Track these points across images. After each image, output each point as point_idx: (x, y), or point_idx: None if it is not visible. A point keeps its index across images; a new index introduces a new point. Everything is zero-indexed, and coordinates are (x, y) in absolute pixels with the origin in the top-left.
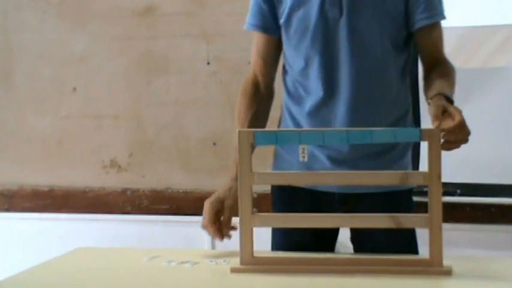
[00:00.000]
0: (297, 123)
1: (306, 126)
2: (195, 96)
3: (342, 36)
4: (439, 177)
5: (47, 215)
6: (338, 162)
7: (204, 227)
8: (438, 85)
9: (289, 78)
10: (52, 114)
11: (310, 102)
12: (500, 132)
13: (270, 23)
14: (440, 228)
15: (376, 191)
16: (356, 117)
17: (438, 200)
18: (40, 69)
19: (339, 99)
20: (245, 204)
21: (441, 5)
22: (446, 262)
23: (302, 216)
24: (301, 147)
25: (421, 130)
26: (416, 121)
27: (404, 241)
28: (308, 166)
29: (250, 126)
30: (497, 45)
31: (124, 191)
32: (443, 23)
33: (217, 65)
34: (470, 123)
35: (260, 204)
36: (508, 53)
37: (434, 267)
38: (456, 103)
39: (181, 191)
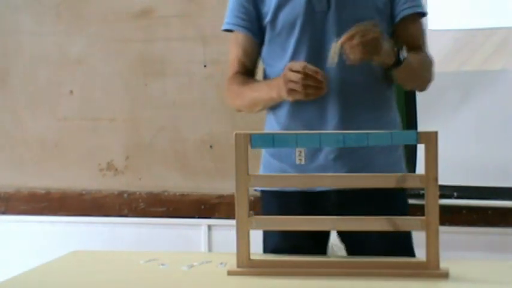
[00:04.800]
0: (279, 120)
1: (292, 121)
2: (192, 99)
3: (329, 30)
4: (436, 180)
5: (44, 218)
6: (332, 158)
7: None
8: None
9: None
10: (49, 117)
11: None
12: (497, 135)
13: (254, 24)
14: (437, 231)
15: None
16: (345, 111)
17: (435, 202)
18: (37, 71)
19: (325, 95)
20: (242, 207)
21: (421, 1)
22: (443, 265)
23: (298, 219)
24: (298, 150)
25: (417, 133)
26: (413, 124)
27: (399, 239)
28: (301, 168)
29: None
30: (493, 48)
31: (121, 194)
32: (439, 26)
33: (213, 67)
34: (467, 126)
35: (257, 207)
36: (504, 56)
37: (431, 270)
38: (453, 105)
39: (178, 193)
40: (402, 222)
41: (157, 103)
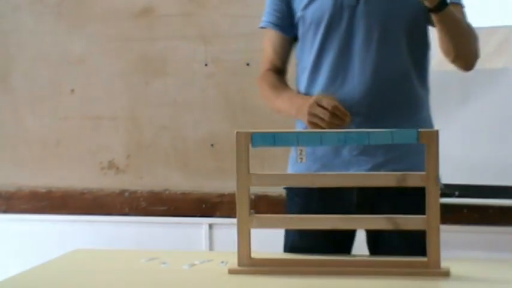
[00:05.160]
0: None
1: None
2: (193, 98)
3: (358, 24)
4: (437, 178)
5: (45, 217)
6: (356, 153)
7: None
8: None
9: (302, 78)
10: (50, 116)
11: (317, 92)
12: (498, 133)
13: (286, 21)
14: (438, 230)
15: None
16: (372, 109)
17: (436, 201)
18: (38, 70)
19: (352, 87)
20: (242, 205)
21: None
22: (444, 264)
23: (299, 217)
24: (298, 148)
25: (418, 132)
26: None
27: (422, 244)
28: (326, 165)
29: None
30: (495, 46)
31: (122, 193)
32: None
33: (215, 66)
34: (468, 125)
35: (257, 205)
36: (506, 55)
37: (432, 269)
38: (454, 104)
39: (179, 192)
40: (403, 221)
41: (158, 102)
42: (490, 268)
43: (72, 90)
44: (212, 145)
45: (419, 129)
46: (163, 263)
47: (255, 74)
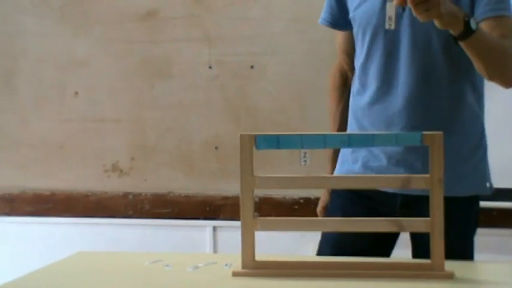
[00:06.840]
0: (356, 119)
1: (363, 121)
2: (197, 100)
3: (404, 31)
4: (441, 181)
5: (49, 219)
6: (394, 161)
7: None
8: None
9: (356, 75)
10: (54, 118)
11: (366, 98)
12: (503, 134)
13: (337, 18)
14: (441, 233)
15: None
16: (413, 111)
17: (440, 204)
18: (42, 73)
19: (396, 95)
20: (246, 208)
21: (508, 2)
22: (448, 266)
23: (303, 220)
24: (302, 151)
25: (422, 134)
26: None
27: (461, 245)
28: (366, 165)
29: (341, 119)
30: None
31: (126, 195)
32: None
33: (219, 69)
34: None
35: (261, 208)
36: None
37: (436, 272)
38: None
39: (183, 195)
40: (407, 224)
41: (162, 104)
42: (494, 271)
43: (76, 93)
44: (216, 148)
45: (424, 132)
46: (167, 266)
47: (259, 77)
